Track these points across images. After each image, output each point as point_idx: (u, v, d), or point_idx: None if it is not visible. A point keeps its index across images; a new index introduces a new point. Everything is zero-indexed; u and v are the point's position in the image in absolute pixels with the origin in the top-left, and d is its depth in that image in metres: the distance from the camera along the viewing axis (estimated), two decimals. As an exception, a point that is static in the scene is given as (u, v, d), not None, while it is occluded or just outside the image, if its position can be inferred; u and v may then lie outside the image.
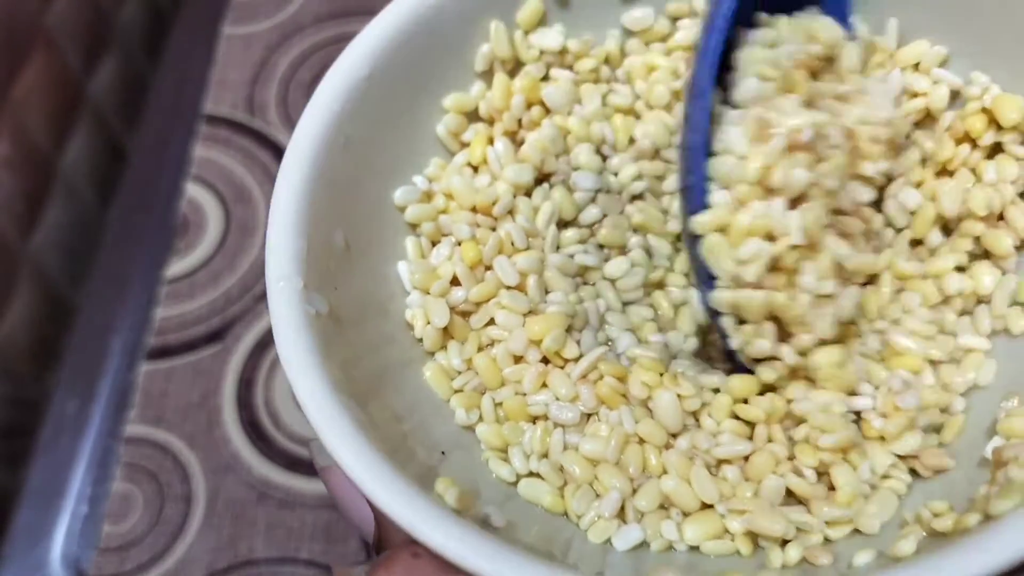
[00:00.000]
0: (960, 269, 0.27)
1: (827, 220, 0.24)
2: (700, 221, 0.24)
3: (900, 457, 0.25)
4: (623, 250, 0.29)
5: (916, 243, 0.28)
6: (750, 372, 0.25)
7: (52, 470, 0.47)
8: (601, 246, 0.29)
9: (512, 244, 0.27)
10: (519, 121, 0.28)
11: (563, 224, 0.29)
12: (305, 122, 0.25)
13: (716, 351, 0.28)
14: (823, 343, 0.25)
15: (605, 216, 0.29)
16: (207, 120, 0.55)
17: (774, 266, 0.24)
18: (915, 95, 0.28)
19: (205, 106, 0.56)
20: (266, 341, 0.48)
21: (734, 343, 0.24)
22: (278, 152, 0.54)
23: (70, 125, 0.56)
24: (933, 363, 0.26)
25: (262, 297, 0.49)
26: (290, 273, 0.23)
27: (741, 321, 0.25)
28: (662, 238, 0.29)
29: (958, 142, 0.27)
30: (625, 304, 0.28)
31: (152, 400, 0.47)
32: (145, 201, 0.55)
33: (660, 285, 0.29)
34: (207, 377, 0.47)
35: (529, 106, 0.28)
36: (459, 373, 0.26)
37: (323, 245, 0.24)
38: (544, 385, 0.25)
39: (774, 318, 0.24)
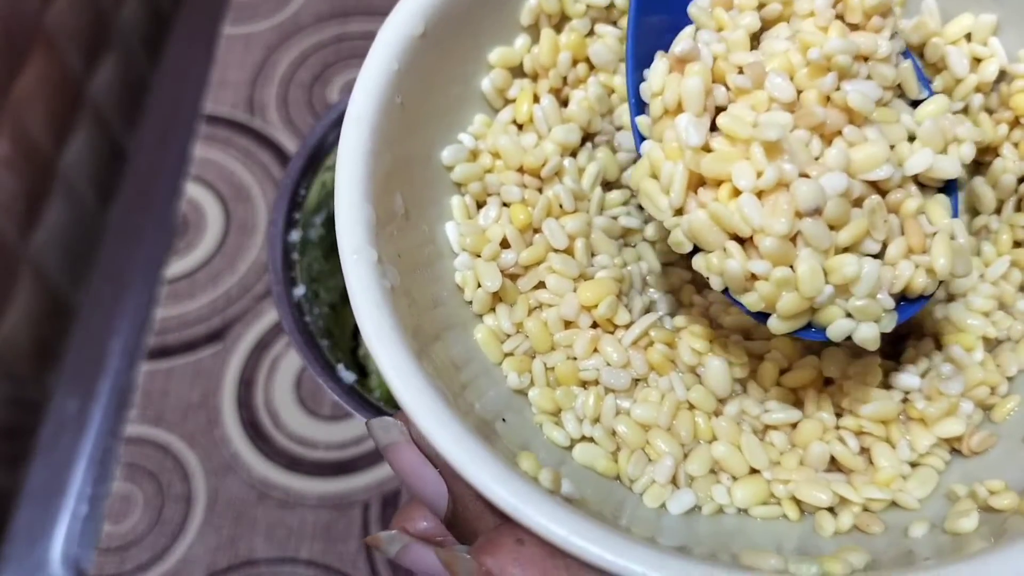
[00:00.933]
0: (1018, 244, 0.27)
1: (754, 116, 0.23)
2: (633, 176, 0.24)
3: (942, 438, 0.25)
4: None
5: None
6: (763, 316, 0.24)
7: (52, 470, 0.47)
8: (640, 207, 0.29)
9: (560, 206, 0.27)
10: (564, 78, 0.28)
11: (606, 185, 0.29)
12: (363, 84, 0.24)
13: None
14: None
15: None
16: (207, 120, 0.55)
17: (702, 182, 0.23)
18: (978, 60, 0.27)
19: (205, 106, 0.56)
20: (266, 341, 0.48)
21: (714, 283, 0.23)
22: (278, 152, 0.54)
23: (70, 125, 0.56)
24: (987, 340, 0.26)
25: (262, 297, 0.49)
26: (363, 244, 0.23)
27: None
28: None
29: (998, 121, 0.27)
30: (664, 265, 0.28)
31: (152, 400, 0.47)
32: (145, 201, 0.55)
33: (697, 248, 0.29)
34: (207, 377, 0.47)
35: (575, 63, 0.28)
36: (508, 336, 0.26)
37: (387, 211, 0.24)
38: (595, 350, 0.26)
39: (736, 238, 0.23)
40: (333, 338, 0.37)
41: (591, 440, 0.25)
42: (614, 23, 0.28)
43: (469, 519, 0.22)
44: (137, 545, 0.43)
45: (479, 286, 0.26)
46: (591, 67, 0.28)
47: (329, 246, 0.39)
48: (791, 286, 0.22)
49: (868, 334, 0.22)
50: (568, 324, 0.26)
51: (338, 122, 0.39)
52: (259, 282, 0.50)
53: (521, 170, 0.27)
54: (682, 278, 0.28)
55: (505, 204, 0.27)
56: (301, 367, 0.47)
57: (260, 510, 0.44)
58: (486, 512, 0.22)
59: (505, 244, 0.26)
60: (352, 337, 0.39)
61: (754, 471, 0.24)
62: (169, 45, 0.61)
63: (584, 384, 0.25)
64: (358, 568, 0.42)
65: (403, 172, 0.25)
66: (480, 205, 0.27)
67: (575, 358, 0.26)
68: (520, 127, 0.28)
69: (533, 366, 0.25)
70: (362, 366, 0.38)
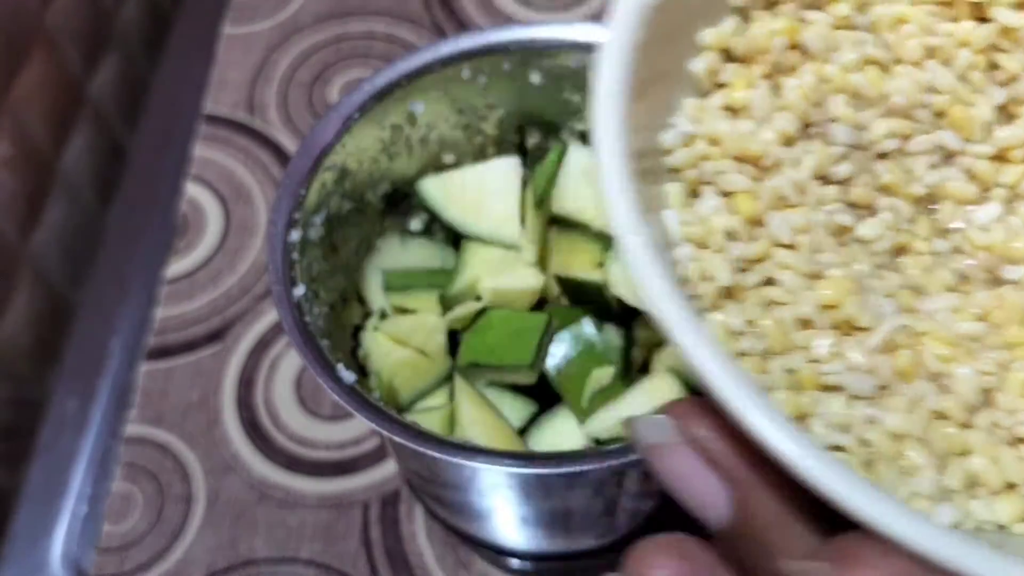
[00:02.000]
0: None
1: None
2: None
3: None
4: (871, 210, 0.28)
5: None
6: None
7: (52, 470, 0.47)
8: (851, 204, 0.27)
9: (782, 198, 0.26)
10: (776, 64, 0.27)
11: (819, 180, 0.27)
12: (609, 57, 0.24)
13: None
14: None
15: (855, 173, 0.28)
16: (207, 120, 0.55)
17: None
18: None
19: (205, 106, 0.56)
20: (266, 341, 0.48)
21: None
22: (278, 152, 0.54)
23: (70, 125, 0.56)
24: None
25: (262, 297, 0.49)
26: (636, 225, 0.22)
27: None
28: (905, 200, 0.28)
29: None
30: (877, 268, 0.27)
31: (152, 400, 0.47)
32: (145, 201, 0.55)
33: (903, 249, 0.27)
34: (207, 377, 0.47)
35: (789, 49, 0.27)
36: (740, 335, 0.24)
37: (644, 195, 0.23)
38: (835, 354, 0.24)
39: None
40: (333, 338, 0.37)
41: (841, 449, 0.23)
42: (821, 9, 0.28)
43: (760, 529, 0.21)
44: (137, 545, 0.43)
45: (707, 279, 0.24)
46: (802, 55, 0.27)
47: (329, 246, 0.39)
48: None
49: None
50: (806, 324, 0.24)
51: (338, 122, 0.39)
52: (259, 282, 0.50)
53: (739, 159, 0.26)
54: (895, 282, 0.27)
55: (725, 194, 0.26)
56: (301, 367, 0.47)
57: (260, 510, 0.44)
58: (789, 522, 0.20)
59: (727, 236, 0.25)
60: (352, 337, 0.39)
61: (1011, 486, 0.23)
62: (169, 45, 0.61)
63: (825, 389, 0.24)
64: (358, 568, 0.42)
65: (637, 157, 0.24)
66: (694, 193, 0.26)
67: (815, 361, 0.24)
68: (734, 113, 0.27)
69: (770, 367, 0.24)
70: (362, 366, 0.38)
